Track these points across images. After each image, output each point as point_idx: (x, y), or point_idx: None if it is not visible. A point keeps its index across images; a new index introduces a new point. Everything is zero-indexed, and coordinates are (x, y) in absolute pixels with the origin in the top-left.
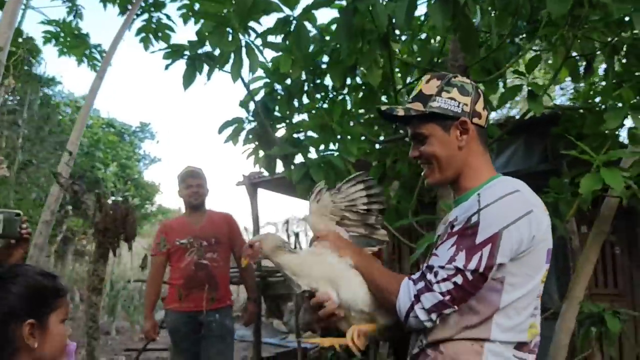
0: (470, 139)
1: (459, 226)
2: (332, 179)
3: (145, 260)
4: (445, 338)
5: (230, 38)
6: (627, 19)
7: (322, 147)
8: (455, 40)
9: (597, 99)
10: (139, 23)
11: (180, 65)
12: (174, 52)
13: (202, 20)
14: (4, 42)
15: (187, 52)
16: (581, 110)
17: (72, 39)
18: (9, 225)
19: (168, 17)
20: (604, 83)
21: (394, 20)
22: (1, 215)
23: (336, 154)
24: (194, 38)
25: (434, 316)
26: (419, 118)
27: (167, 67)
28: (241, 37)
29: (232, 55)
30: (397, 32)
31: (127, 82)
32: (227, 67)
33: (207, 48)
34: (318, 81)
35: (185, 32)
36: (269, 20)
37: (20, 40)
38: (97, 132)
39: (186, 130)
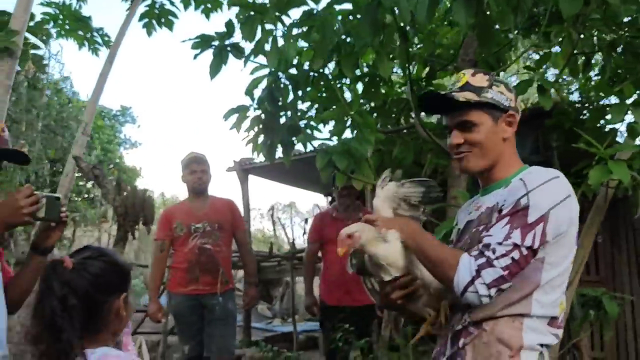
0: (512, 132)
1: (508, 208)
2: (351, 166)
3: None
4: (488, 316)
5: (259, 29)
6: (626, 19)
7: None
8: (471, 35)
9: (592, 94)
10: (142, 8)
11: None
12: (203, 42)
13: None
14: (20, 26)
15: (214, 43)
16: (577, 104)
17: (72, 22)
18: (50, 208)
19: (172, 2)
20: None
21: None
22: (44, 199)
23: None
24: (194, 25)
25: (493, 291)
26: (471, 106)
27: (195, 56)
28: (273, 27)
29: (269, 44)
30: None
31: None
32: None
33: (234, 39)
34: (320, 70)
35: (186, 19)
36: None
37: (32, 24)
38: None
39: (168, 115)
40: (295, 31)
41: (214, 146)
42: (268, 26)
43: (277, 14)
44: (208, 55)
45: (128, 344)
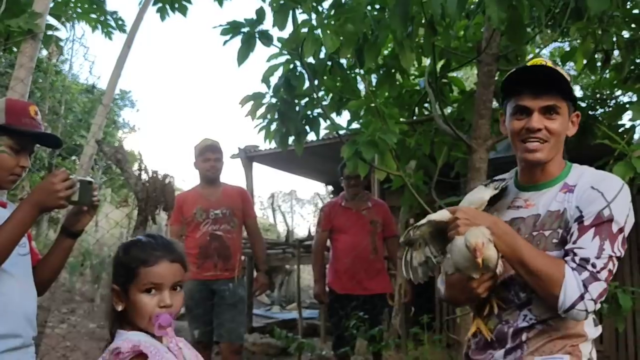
0: (574, 132)
1: (590, 219)
2: (375, 156)
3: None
4: (555, 315)
5: (290, 17)
6: None
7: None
8: (490, 28)
9: (606, 91)
10: None
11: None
12: (232, 29)
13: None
14: (43, 9)
15: (244, 29)
16: (589, 101)
17: (85, 5)
18: (83, 192)
19: None
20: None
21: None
22: (78, 183)
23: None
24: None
25: (597, 305)
26: (560, 92)
27: (225, 43)
28: (307, 16)
29: (306, 33)
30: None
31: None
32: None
33: (262, 26)
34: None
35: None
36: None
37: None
38: (76, 98)
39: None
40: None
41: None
42: (302, 16)
43: (314, 3)
44: (210, 40)
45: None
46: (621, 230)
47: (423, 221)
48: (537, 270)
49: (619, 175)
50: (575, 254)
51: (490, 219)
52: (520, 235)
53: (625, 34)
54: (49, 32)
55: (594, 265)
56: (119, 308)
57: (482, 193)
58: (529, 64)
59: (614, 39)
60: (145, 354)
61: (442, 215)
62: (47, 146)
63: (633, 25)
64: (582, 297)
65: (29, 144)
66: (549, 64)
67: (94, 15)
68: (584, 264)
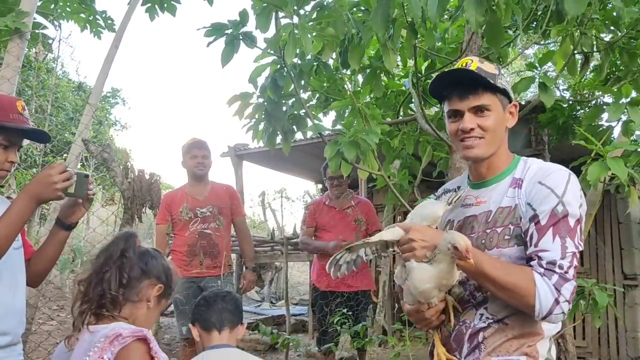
0: (513, 122)
1: (545, 218)
2: (357, 156)
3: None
4: (512, 313)
5: (274, 20)
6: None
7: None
8: (470, 31)
9: (586, 92)
10: None
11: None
12: (216, 30)
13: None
14: (30, 8)
15: (227, 31)
16: (570, 101)
17: (74, 3)
18: (79, 185)
19: None
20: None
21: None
22: (75, 176)
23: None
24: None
25: (570, 305)
26: (486, 90)
27: (208, 44)
28: (289, 20)
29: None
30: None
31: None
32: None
33: (246, 28)
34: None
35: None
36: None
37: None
38: (68, 96)
39: (158, 98)
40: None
41: (206, 130)
42: (284, 20)
43: (295, 7)
44: (199, 39)
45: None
46: (578, 221)
47: (374, 238)
48: (507, 284)
49: (593, 176)
50: (540, 258)
51: (444, 235)
52: (480, 251)
53: (606, 37)
54: (37, 31)
55: (560, 267)
56: (150, 305)
57: (434, 207)
58: (456, 65)
59: (594, 41)
60: (146, 339)
61: (395, 234)
62: (36, 141)
63: (612, 28)
64: (557, 302)
65: (17, 139)
66: (475, 63)
67: (83, 15)
68: (551, 267)
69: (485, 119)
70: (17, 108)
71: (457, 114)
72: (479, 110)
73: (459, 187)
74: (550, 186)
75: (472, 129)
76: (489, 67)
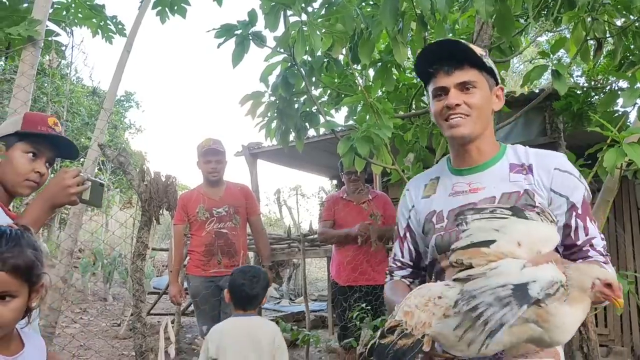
0: (500, 106)
1: (581, 207)
2: (370, 151)
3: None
4: None
5: (282, 19)
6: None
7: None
8: (480, 21)
9: (600, 78)
10: None
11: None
12: (226, 32)
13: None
14: (42, 16)
15: (237, 32)
16: (584, 88)
17: (85, 10)
18: (95, 193)
19: None
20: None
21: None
22: (90, 183)
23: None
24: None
25: None
26: (473, 67)
27: (219, 45)
28: (297, 18)
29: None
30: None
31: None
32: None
33: (255, 28)
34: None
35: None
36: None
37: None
38: (83, 101)
39: (172, 100)
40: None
41: (220, 130)
42: (293, 18)
43: (303, 5)
44: (211, 40)
45: None
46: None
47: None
48: None
49: (610, 162)
50: (593, 246)
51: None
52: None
53: (618, 22)
54: (50, 38)
55: (604, 248)
56: None
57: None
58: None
59: (606, 27)
60: None
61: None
62: (65, 157)
63: (624, 13)
64: None
65: (45, 150)
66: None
67: (94, 20)
68: (603, 251)
69: (471, 96)
70: (47, 122)
71: (442, 92)
72: (465, 87)
73: (437, 178)
74: (572, 173)
75: (457, 105)
76: (477, 49)
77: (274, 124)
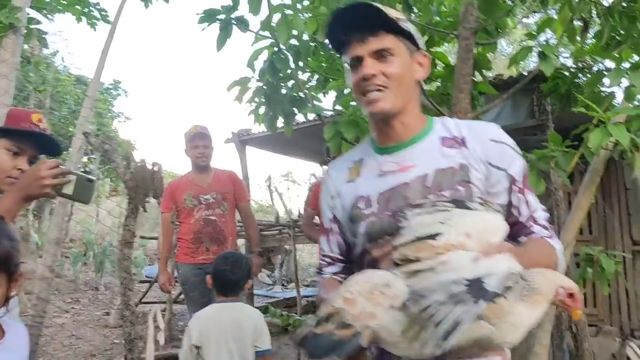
0: (423, 75)
1: (521, 180)
2: (357, 135)
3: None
4: None
5: (265, 2)
6: None
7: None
8: (467, 3)
9: (587, 58)
10: None
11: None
12: (209, 16)
13: None
14: (23, 3)
15: (220, 17)
16: (572, 69)
17: None
18: (82, 188)
19: None
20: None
21: None
22: (73, 177)
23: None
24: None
25: None
26: (389, 32)
27: (203, 30)
28: (280, 1)
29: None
30: None
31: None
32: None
33: (238, 12)
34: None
35: None
36: None
37: None
38: (70, 90)
39: (159, 87)
40: (299, 5)
41: (210, 118)
42: (276, 1)
43: None
44: (197, 25)
45: None
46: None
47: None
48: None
49: (594, 143)
50: (535, 220)
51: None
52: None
53: (604, 1)
54: (31, 26)
55: (547, 220)
56: None
57: (496, 219)
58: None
59: (592, 7)
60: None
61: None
62: (49, 154)
63: None
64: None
65: (28, 147)
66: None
67: (77, 7)
68: (546, 224)
69: (388, 65)
70: (31, 119)
71: (358, 62)
72: (381, 55)
73: (361, 160)
74: (508, 143)
75: (373, 75)
76: (392, 12)
77: (262, 110)
